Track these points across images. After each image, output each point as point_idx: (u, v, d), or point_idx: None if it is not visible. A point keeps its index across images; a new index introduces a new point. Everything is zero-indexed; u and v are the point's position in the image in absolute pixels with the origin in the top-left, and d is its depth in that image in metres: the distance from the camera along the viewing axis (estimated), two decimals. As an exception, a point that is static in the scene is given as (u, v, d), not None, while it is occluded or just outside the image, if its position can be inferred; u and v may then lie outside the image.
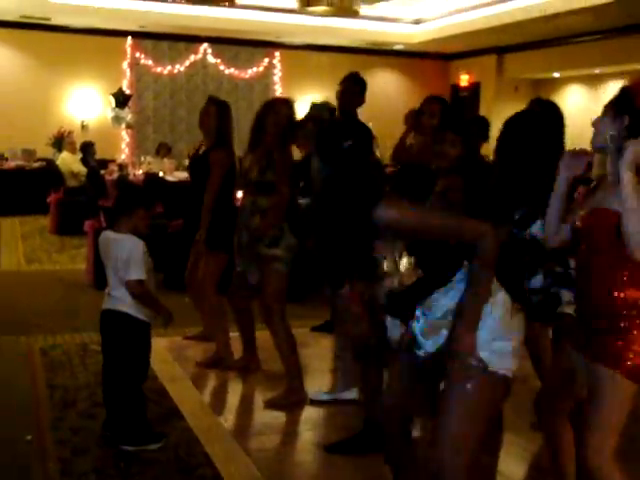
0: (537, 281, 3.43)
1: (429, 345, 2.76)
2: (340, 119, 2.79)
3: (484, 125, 5.80)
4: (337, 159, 2.73)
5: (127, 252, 3.93)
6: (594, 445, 2.78)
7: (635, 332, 2.75)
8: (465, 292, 2.63)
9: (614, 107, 2.85)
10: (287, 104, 5.01)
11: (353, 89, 5.45)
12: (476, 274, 2.61)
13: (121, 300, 3.96)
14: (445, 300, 2.71)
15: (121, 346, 4.00)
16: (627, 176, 2.64)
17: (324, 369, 5.48)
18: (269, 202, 4.78)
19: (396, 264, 2.74)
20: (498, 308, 2.67)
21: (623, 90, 2.90)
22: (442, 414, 2.70)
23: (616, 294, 2.79)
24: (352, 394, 4.69)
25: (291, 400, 4.70)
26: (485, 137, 5.74)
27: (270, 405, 4.69)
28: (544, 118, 3.66)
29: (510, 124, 3.62)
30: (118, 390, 4.01)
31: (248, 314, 5.28)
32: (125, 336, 3.99)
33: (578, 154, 2.96)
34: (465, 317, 2.62)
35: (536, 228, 3.43)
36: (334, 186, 2.72)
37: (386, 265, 2.76)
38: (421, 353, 2.77)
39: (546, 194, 3.03)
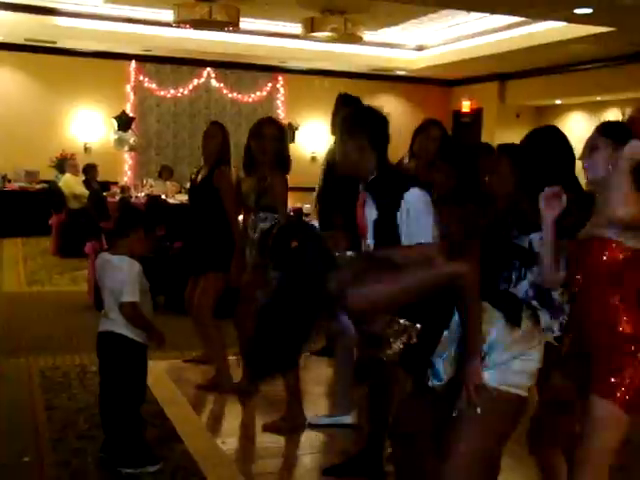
0: (522, 288, 3.42)
1: (447, 374, 2.73)
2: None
3: (489, 152, 5.90)
4: (285, 262, 2.65)
5: (122, 274, 3.92)
6: (587, 476, 2.77)
7: (629, 367, 2.77)
8: (460, 325, 2.65)
9: (613, 138, 2.86)
10: (273, 125, 4.96)
11: None
12: (464, 309, 2.62)
13: (117, 322, 3.95)
14: (455, 332, 2.70)
15: (117, 368, 3.98)
16: None
17: (323, 393, 5.46)
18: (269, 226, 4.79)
19: (395, 331, 2.67)
20: (504, 328, 2.68)
21: (615, 123, 2.94)
22: (454, 436, 2.69)
23: (614, 327, 2.80)
24: (350, 418, 4.68)
25: (290, 424, 4.67)
26: None
27: (269, 429, 4.66)
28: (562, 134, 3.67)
29: (537, 137, 3.64)
30: (115, 412, 3.99)
31: (253, 334, 5.26)
32: (121, 358, 3.98)
33: (557, 192, 2.97)
34: (468, 346, 2.63)
35: (537, 237, 3.45)
36: (284, 295, 2.62)
37: (390, 336, 2.69)
38: (437, 383, 2.75)
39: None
